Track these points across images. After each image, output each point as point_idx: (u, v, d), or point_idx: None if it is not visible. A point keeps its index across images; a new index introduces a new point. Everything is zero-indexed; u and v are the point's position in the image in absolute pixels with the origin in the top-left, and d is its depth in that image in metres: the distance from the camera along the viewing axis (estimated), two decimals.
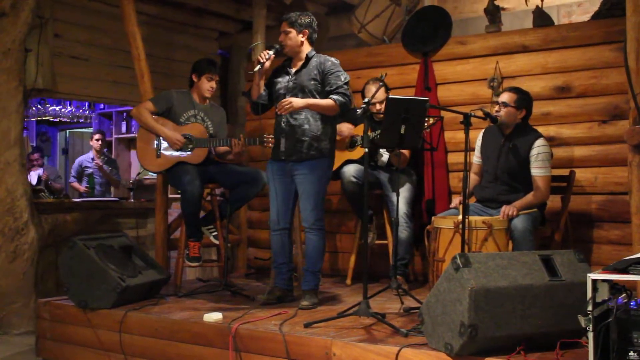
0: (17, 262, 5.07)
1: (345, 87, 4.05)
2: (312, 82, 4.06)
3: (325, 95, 4.06)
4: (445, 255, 3.89)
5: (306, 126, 4.05)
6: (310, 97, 4.05)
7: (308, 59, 4.14)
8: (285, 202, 4.19)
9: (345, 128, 4.98)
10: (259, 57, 4.01)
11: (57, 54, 5.66)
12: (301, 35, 4.11)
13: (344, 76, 4.07)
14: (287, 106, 3.91)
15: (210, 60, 4.87)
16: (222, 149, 4.77)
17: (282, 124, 4.11)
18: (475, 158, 4.49)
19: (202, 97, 4.77)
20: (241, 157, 4.99)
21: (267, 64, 4.05)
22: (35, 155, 7.91)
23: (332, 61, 4.11)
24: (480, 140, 4.50)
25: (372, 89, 4.83)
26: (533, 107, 4.37)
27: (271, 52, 4.05)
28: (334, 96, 3.99)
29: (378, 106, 4.75)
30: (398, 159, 4.46)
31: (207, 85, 4.73)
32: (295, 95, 4.06)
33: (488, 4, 5.19)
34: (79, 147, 9.99)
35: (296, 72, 4.14)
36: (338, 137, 4.93)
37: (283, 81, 4.17)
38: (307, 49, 4.16)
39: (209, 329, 3.62)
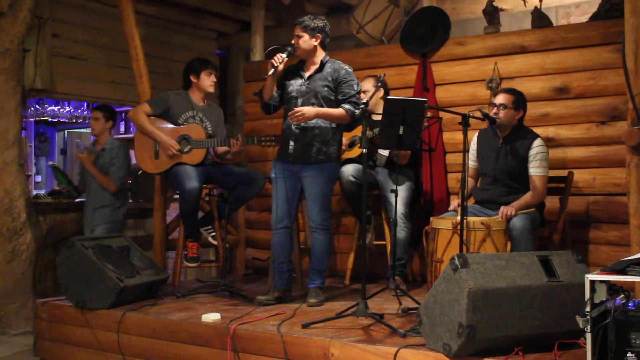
0: (15, 262, 5.07)
1: (358, 96, 4.10)
2: (326, 89, 4.08)
3: (337, 102, 4.08)
4: (443, 256, 3.89)
5: (317, 131, 4.08)
6: (322, 103, 4.06)
7: (322, 64, 4.14)
8: (288, 201, 4.18)
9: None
10: (273, 61, 4.01)
11: (55, 54, 5.65)
12: (314, 39, 4.11)
13: (357, 85, 4.12)
14: (299, 116, 3.93)
15: (202, 58, 4.87)
16: (221, 149, 4.77)
17: (293, 127, 4.10)
18: (471, 162, 4.47)
19: (204, 94, 4.76)
20: (239, 156, 4.99)
21: (281, 67, 4.04)
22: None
23: (346, 69, 4.13)
24: (475, 144, 4.48)
25: (367, 85, 4.80)
26: (532, 108, 4.36)
27: (284, 56, 4.04)
28: (346, 105, 4.03)
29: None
30: (397, 158, 4.45)
31: (209, 81, 4.73)
32: (308, 100, 4.07)
33: (487, 4, 5.18)
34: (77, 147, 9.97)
35: (310, 76, 4.14)
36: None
37: (296, 84, 4.16)
38: (321, 54, 4.16)
39: (207, 329, 3.61)
